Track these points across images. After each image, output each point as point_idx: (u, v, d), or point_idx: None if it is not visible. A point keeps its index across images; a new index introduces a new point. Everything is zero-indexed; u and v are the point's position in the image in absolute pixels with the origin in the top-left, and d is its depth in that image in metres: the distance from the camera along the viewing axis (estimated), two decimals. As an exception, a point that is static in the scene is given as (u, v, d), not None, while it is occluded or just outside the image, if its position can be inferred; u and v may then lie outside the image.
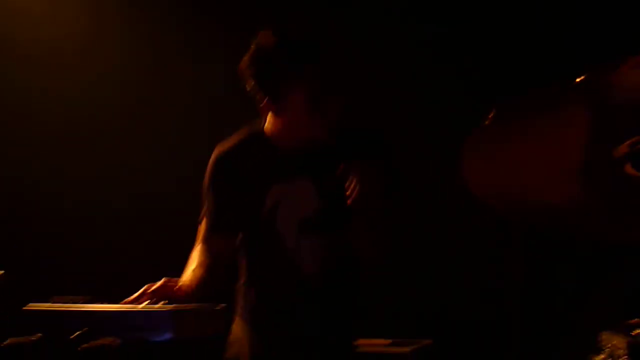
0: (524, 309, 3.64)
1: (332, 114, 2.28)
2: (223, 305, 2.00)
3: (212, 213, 2.42)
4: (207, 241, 2.43)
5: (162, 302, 1.96)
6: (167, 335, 1.77)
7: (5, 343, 1.84)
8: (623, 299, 3.28)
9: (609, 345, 2.35)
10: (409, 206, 3.73)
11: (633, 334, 2.19)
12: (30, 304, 1.92)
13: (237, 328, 2.45)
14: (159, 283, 2.16)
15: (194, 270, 2.34)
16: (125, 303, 2.06)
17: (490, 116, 1.54)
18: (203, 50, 3.98)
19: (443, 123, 3.70)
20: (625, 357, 2.17)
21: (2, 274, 2.04)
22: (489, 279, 3.69)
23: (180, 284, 2.23)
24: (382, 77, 3.83)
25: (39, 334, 1.83)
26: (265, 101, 2.30)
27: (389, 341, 3.43)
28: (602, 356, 2.38)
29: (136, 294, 2.12)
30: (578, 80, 1.51)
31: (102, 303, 1.91)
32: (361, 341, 3.30)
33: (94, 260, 3.87)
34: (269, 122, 2.40)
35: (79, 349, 1.77)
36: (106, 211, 3.96)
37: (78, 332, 1.75)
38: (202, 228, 2.50)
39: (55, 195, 3.93)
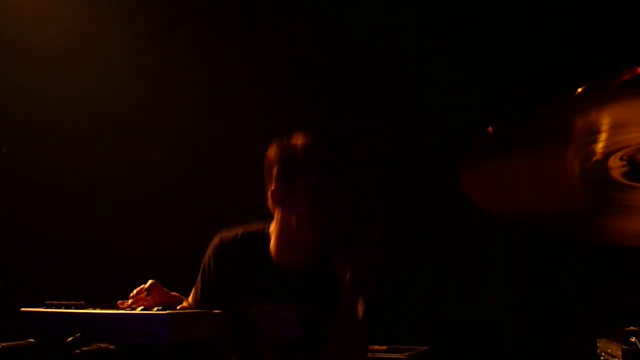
0: (522, 314, 3.63)
1: (336, 210, 2.23)
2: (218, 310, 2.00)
3: (200, 295, 2.44)
4: (195, 302, 2.46)
5: (156, 308, 1.94)
6: (163, 340, 1.76)
7: (-2, 347, 1.82)
8: (621, 303, 3.28)
9: (605, 352, 2.36)
10: (408, 212, 3.75)
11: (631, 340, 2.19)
12: (24, 308, 1.91)
13: None
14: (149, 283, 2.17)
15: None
16: (120, 307, 2.07)
17: (488, 130, 1.54)
18: (203, 50, 3.99)
19: (445, 125, 3.70)
20: (621, 364, 2.17)
21: (-3, 279, 2.02)
22: (487, 285, 3.68)
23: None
24: (385, 80, 3.84)
25: (33, 339, 1.81)
26: (275, 186, 2.28)
27: (384, 347, 3.42)
28: (598, 363, 2.38)
29: (131, 295, 2.12)
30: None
31: (96, 307, 1.90)
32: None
33: (87, 264, 3.86)
34: (272, 226, 2.37)
35: (73, 353, 1.75)
36: (101, 214, 3.95)
37: (72, 337, 1.73)
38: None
39: (49, 199, 3.92)
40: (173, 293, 2.26)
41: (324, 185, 2.23)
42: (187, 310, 1.98)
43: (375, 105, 3.84)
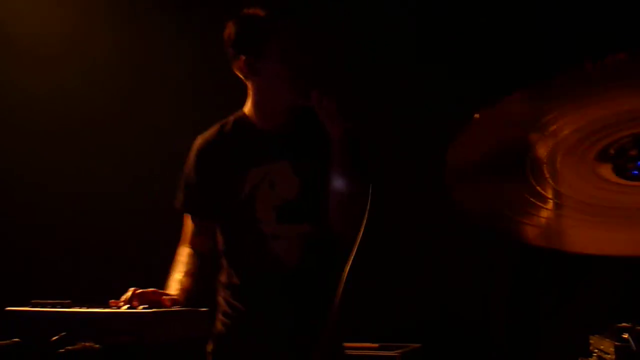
0: (513, 312, 3.63)
1: (305, 67, 2.33)
2: (206, 308, 1.97)
3: (194, 201, 2.45)
4: (192, 240, 2.46)
5: (141, 307, 1.92)
6: (149, 338, 1.74)
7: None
8: (611, 301, 3.27)
9: (598, 349, 2.34)
10: (400, 213, 3.74)
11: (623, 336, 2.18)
12: (9, 308, 1.89)
13: (218, 322, 2.45)
14: (149, 289, 2.14)
15: (180, 280, 2.33)
16: (108, 306, 2.05)
17: (475, 116, 1.52)
18: (193, 45, 3.97)
19: (436, 127, 3.68)
20: (614, 360, 2.16)
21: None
22: (478, 282, 3.68)
23: (168, 291, 2.22)
24: (376, 77, 3.83)
25: (18, 338, 1.79)
26: (244, 62, 2.35)
27: (377, 345, 3.42)
28: (591, 360, 2.37)
29: (123, 298, 2.10)
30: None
31: (82, 306, 1.88)
32: (349, 345, 3.31)
33: (74, 263, 3.84)
34: (247, 102, 2.45)
35: (57, 353, 1.73)
36: (88, 213, 3.93)
37: (57, 336, 1.71)
38: (185, 224, 2.50)
39: (35, 198, 3.90)
40: (150, 289, 2.19)
41: (293, 48, 2.33)
42: (173, 309, 1.95)
43: (379, 103, 3.82)
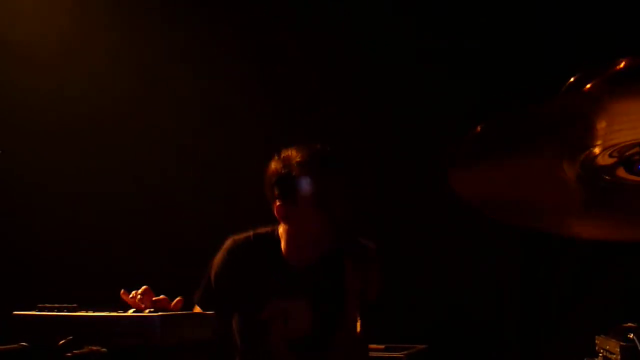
0: (519, 313, 3.62)
1: (338, 212, 2.38)
2: (211, 312, 1.98)
3: (210, 301, 2.52)
4: None
5: (148, 310, 1.93)
6: (156, 342, 1.74)
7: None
8: (618, 301, 3.27)
9: (603, 349, 2.34)
10: (405, 213, 3.74)
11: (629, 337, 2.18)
12: (16, 312, 1.89)
13: None
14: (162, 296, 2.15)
15: None
16: (114, 308, 2.05)
17: (477, 130, 1.52)
18: (192, 46, 3.97)
19: (439, 125, 3.69)
20: (619, 361, 2.16)
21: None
22: (484, 283, 3.67)
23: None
24: (379, 82, 3.83)
25: (25, 342, 1.80)
26: (278, 205, 2.42)
27: (382, 346, 3.41)
28: (596, 360, 2.37)
29: (133, 294, 2.11)
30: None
31: (88, 310, 1.88)
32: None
33: (80, 267, 3.84)
34: (281, 230, 2.52)
35: (65, 356, 1.74)
36: (95, 216, 3.94)
37: (64, 340, 1.72)
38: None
39: (41, 201, 3.90)
40: (162, 296, 2.22)
41: (322, 195, 2.37)
42: (180, 312, 1.96)
43: (379, 104, 3.82)
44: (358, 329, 2.32)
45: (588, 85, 1.45)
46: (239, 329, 2.53)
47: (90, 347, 1.74)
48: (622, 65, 1.38)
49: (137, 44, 3.98)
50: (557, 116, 1.38)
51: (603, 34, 3.34)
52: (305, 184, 2.37)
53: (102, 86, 3.95)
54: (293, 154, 2.40)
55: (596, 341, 2.43)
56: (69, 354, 1.72)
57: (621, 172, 1.53)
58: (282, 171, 2.39)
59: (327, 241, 2.41)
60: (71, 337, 1.74)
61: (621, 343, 2.17)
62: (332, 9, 3.84)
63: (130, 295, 2.13)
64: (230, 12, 3.84)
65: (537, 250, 3.54)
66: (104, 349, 1.75)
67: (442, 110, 3.75)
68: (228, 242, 2.55)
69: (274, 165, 2.43)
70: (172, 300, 2.17)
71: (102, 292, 2.15)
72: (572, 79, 1.53)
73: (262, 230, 2.56)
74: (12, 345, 1.80)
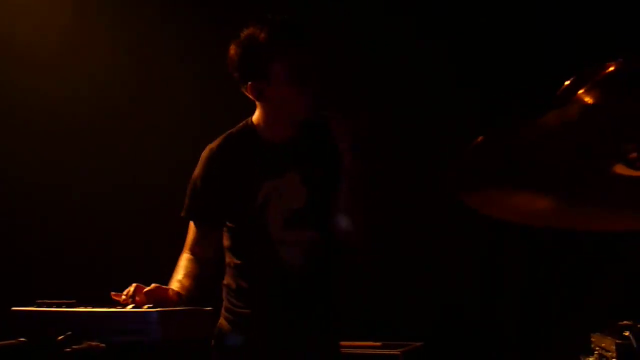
0: (515, 310, 3.63)
1: (313, 84, 2.37)
2: (210, 308, 1.99)
3: (200, 208, 2.51)
4: (193, 247, 2.52)
5: (146, 306, 1.93)
6: (154, 337, 1.75)
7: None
8: (614, 299, 3.28)
9: (599, 347, 2.35)
10: (404, 209, 3.75)
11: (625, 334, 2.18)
12: (14, 307, 1.90)
13: (223, 322, 2.51)
14: (152, 286, 2.16)
15: (180, 280, 2.37)
16: (113, 304, 2.06)
17: (479, 140, 1.53)
18: (192, 46, 3.97)
19: (440, 125, 3.69)
20: (615, 359, 2.17)
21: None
22: (481, 281, 3.68)
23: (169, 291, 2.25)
24: (381, 78, 3.83)
25: (23, 338, 1.80)
26: (250, 85, 2.39)
27: (379, 344, 3.42)
28: (592, 358, 2.38)
29: (124, 293, 2.11)
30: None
31: (87, 306, 1.89)
32: (352, 344, 3.32)
33: (78, 263, 3.85)
34: (256, 113, 2.49)
35: (63, 352, 1.74)
36: (92, 213, 3.94)
37: (63, 335, 1.73)
38: (188, 233, 2.55)
39: (39, 198, 3.90)
40: (153, 285, 2.21)
41: (295, 69, 2.34)
42: (178, 308, 1.96)
43: (380, 103, 3.82)
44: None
45: (580, 91, 1.46)
46: (232, 234, 2.50)
47: (89, 342, 1.76)
48: (611, 68, 1.39)
49: (138, 43, 3.98)
50: (557, 127, 1.39)
51: (603, 34, 3.35)
52: (277, 60, 2.32)
53: (103, 85, 3.95)
54: (257, 32, 2.35)
55: (592, 339, 2.43)
56: (68, 350, 1.73)
57: (620, 169, 1.54)
58: (250, 50, 2.34)
59: (304, 114, 2.39)
60: (70, 333, 1.75)
61: (617, 341, 2.17)
62: (332, 9, 3.84)
63: (122, 297, 2.13)
64: (230, 12, 3.83)
65: (534, 249, 3.55)
66: (102, 345, 1.76)
67: (441, 110, 3.76)
68: (204, 151, 2.53)
69: (239, 46, 2.38)
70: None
71: (102, 290, 2.16)
72: (566, 83, 1.54)
73: (232, 129, 2.54)
74: (11, 341, 1.81)
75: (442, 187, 1.85)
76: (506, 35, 3.65)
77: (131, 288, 2.12)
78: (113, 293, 2.15)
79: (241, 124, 2.54)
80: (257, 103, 2.47)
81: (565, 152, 1.50)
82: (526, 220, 1.90)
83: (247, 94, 2.44)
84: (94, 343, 1.75)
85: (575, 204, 1.70)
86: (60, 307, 1.86)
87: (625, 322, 2.25)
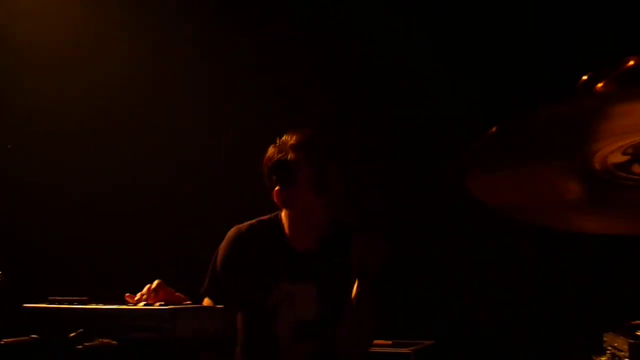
0: (527, 309, 3.62)
1: (336, 191, 2.41)
2: (222, 306, 1.99)
3: (217, 289, 2.52)
4: None
5: (158, 303, 1.93)
6: (166, 335, 1.75)
7: (1, 342, 1.81)
8: (627, 299, 3.26)
9: (612, 346, 2.34)
10: (415, 208, 3.74)
11: (637, 334, 2.17)
12: (26, 304, 1.90)
13: None
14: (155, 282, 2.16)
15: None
16: (128, 300, 2.06)
17: (491, 131, 1.52)
18: (203, 48, 3.98)
19: (451, 124, 3.69)
20: (627, 359, 2.16)
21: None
22: (492, 279, 3.67)
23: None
24: (389, 78, 3.82)
25: (35, 335, 1.81)
26: (278, 189, 2.44)
27: (389, 342, 3.42)
28: (605, 357, 2.37)
29: (139, 295, 2.11)
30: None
31: (98, 304, 1.89)
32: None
33: (91, 260, 3.86)
34: (283, 215, 2.53)
35: (75, 349, 1.75)
36: (105, 210, 3.95)
37: (75, 333, 1.73)
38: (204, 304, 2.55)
39: (52, 195, 3.92)
40: (177, 294, 2.25)
41: (318, 176, 2.39)
42: (191, 306, 1.96)
43: (380, 103, 3.82)
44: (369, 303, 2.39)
45: (599, 85, 1.45)
46: (244, 320, 2.53)
47: (101, 339, 1.76)
48: (631, 63, 1.38)
49: (150, 43, 3.98)
50: (569, 117, 1.38)
51: (612, 31, 3.34)
52: (302, 167, 2.39)
53: (109, 85, 3.96)
54: (287, 138, 2.42)
55: (604, 338, 2.42)
56: (80, 347, 1.73)
57: (637, 169, 1.53)
58: (278, 156, 2.41)
59: (326, 222, 2.44)
60: (82, 330, 1.75)
61: (630, 340, 2.16)
62: (332, 9, 3.83)
63: (136, 298, 2.12)
64: (239, 13, 3.83)
65: (546, 248, 3.54)
66: (114, 342, 1.76)
67: (442, 110, 3.75)
68: (232, 231, 2.56)
69: (270, 151, 2.46)
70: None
71: (114, 286, 2.15)
72: (583, 78, 1.53)
73: (264, 217, 2.58)
74: (23, 338, 1.81)
75: (453, 179, 1.84)
76: (506, 34, 3.64)
77: (153, 283, 2.12)
78: (127, 295, 2.14)
79: (272, 215, 2.57)
80: (284, 209, 2.52)
81: (579, 144, 1.49)
82: (535, 215, 1.89)
83: (276, 200, 2.48)
84: (105, 340, 1.75)
85: (591, 204, 1.69)
86: (72, 304, 1.86)
87: (638, 321, 2.24)
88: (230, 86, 2.94)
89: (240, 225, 2.56)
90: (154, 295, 2.12)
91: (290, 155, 2.39)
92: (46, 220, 3.91)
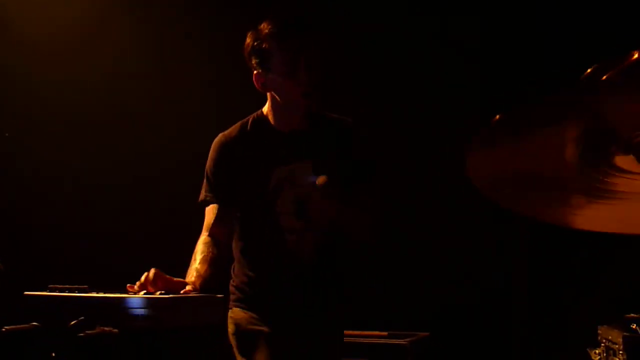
0: (522, 301, 3.64)
1: (308, 78, 2.43)
2: (221, 295, 2.01)
3: (218, 190, 2.56)
4: (211, 229, 2.55)
5: (158, 292, 1.95)
6: (166, 324, 1.77)
7: (2, 330, 1.82)
8: (621, 292, 3.29)
9: (606, 339, 2.36)
10: (411, 199, 3.76)
11: (632, 327, 2.20)
12: (27, 292, 1.91)
13: (235, 309, 2.56)
14: (152, 271, 2.18)
15: (197, 268, 2.41)
16: (130, 290, 2.09)
17: (494, 120, 1.54)
18: (209, 43, 3.99)
19: (447, 116, 3.70)
20: (621, 351, 2.18)
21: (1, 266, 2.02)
22: (487, 271, 3.69)
23: (186, 279, 2.30)
24: (388, 70, 3.83)
25: (37, 322, 1.82)
26: (256, 76, 2.50)
27: (385, 333, 3.44)
28: (599, 350, 2.39)
29: (138, 283, 2.13)
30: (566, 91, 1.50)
31: (99, 292, 1.91)
32: (358, 333, 3.33)
33: (90, 249, 3.87)
34: (266, 104, 2.59)
35: (77, 337, 1.76)
36: (105, 200, 3.96)
37: (76, 320, 1.74)
38: (206, 217, 2.59)
39: (52, 185, 3.93)
40: (176, 279, 2.27)
41: (290, 64, 2.43)
42: (190, 295, 1.98)
43: (368, 106, 3.83)
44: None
45: (604, 77, 1.45)
46: (245, 220, 2.56)
47: (102, 327, 1.77)
48: (635, 56, 1.38)
49: (154, 39, 3.99)
50: (573, 104, 1.39)
51: (617, 26, 3.35)
52: (274, 53, 2.43)
53: (124, 80, 3.96)
54: (265, 25, 2.47)
55: (598, 331, 2.44)
56: (81, 334, 1.75)
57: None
58: (255, 43, 2.47)
59: (301, 106, 2.49)
60: (82, 318, 1.77)
61: (624, 333, 2.19)
62: (332, 8, 3.83)
63: (135, 287, 2.14)
64: (240, 11, 3.84)
65: (542, 241, 3.56)
66: (115, 330, 1.78)
67: (443, 111, 3.77)
68: (217, 138, 2.61)
69: (247, 39, 2.50)
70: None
71: (114, 275, 2.17)
72: (588, 71, 1.54)
73: (247, 117, 2.64)
74: (24, 325, 1.83)
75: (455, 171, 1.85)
76: (507, 32, 3.65)
77: (150, 273, 2.13)
78: (129, 285, 2.16)
79: (253, 114, 2.63)
80: (267, 94, 2.57)
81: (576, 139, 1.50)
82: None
83: (255, 84, 2.53)
84: (107, 328, 1.77)
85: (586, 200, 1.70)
86: (73, 292, 1.88)
87: (632, 314, 2.27)
88: (233, 84, 2.94)
89: (224, 132, 2.62)
90: (153, 284, 2.14)
91: (264, 44, 2.44)
92: (46, 210, 3.92)
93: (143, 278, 2.14)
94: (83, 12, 3.93)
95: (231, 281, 2.61)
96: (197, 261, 2.43)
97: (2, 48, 3.90)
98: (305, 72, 2.43)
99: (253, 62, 2.49)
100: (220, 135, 2.61)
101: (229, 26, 3.82)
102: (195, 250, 2.50)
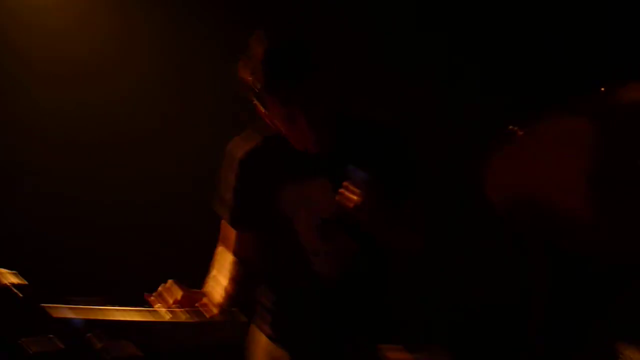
0: (540, 317, 3.63)
1: (309, 132, 2.25)
2: (245, 319, 2.01)
3: (239, 212, 2.44)
4: (235, 247, 2.46)
5: (181, 311, 1.95)
6: (192, 347, 1.77)
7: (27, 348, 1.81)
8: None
9: (624, 354, 2.36)
10: (425, 210, 3.75)
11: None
12: (45, 305, 1.88)
13: (256, 332, 2.50)
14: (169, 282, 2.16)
15: (226, 288, 2.36)
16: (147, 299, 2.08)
17: (508, 130, 1.55)
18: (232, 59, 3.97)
19: (464, 129, 3.69)
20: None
21: (26, 284, 1.99)
22: (504, 284, 3.68)
23: (209, 296, 2.25)
24: (403, 77, 3.83)
25: (61, 344, 1.81)
26: (260, 115, 2.32)
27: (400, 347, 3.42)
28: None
29: (154, 296, 2.11)
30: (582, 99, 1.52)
31: (117, 304, 1.90)
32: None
33: (101, 260, 3.88)
34: None
35: (101, 359, 1.76)
36: (116, 212, 3.96)
37: (101, 345, 1.74)
38: (224, 225, 2.50)
39: (65, 198, 3.93)
40: (192, 291, 2.23)
41: (290, 115, 2.21)
42: (214, 320, 1.96)
43: (368, 107, 3.81)
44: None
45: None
46: (267, 239, 2.44)
47: (126, 348, 1.77)
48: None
49: (176, 54, 3.98)
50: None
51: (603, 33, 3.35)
52: (268, 102, 2.23)
53: (131, 96, 3.95)
54: (255, 83, 2.22)
55: (618, 347, 2.44)
56: (107, 357, 1.75)
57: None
58: (246, 76, 2.23)
59: (313, 151, 2.30)
60: (110, 343, 1.76)
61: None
62: (332, 8, 3.83)
63: (151, 299, 2.12)
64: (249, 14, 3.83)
65: (560, 254, 3.55)
66: (140, 352, 1.78)
67: (445, 111, 3.77)
68: (237, 148, 2.45)
69: (240, 65, 2.29)
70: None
71: (126, 286, 2.16)
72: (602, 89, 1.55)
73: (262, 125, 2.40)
74: (50, 347, 1.81)
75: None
76: (510, 34, 3.65)
77: (167, 284, 2.12)
78: (146, 294, 2.14)
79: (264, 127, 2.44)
80: None
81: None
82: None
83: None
84: (132, 350, 1.77)
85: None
86: (99, 311, 1.87)
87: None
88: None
89: (240, 140, 2.45)
90: (170, 297, 2.11)
91: (256, 84, 2.17)
92: (59, 221, 3.91)
93: (160, 288, 2.13)
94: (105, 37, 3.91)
95: (255, 300, 2.52)
96: (226, 280, 2.38)
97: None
98: (307, 128, 2.24)
99: (251, 98, 2.29)
100: (240, 146, 2.45)
101: (232, 30, 3.81)
102: (219, 263, 2.44)
